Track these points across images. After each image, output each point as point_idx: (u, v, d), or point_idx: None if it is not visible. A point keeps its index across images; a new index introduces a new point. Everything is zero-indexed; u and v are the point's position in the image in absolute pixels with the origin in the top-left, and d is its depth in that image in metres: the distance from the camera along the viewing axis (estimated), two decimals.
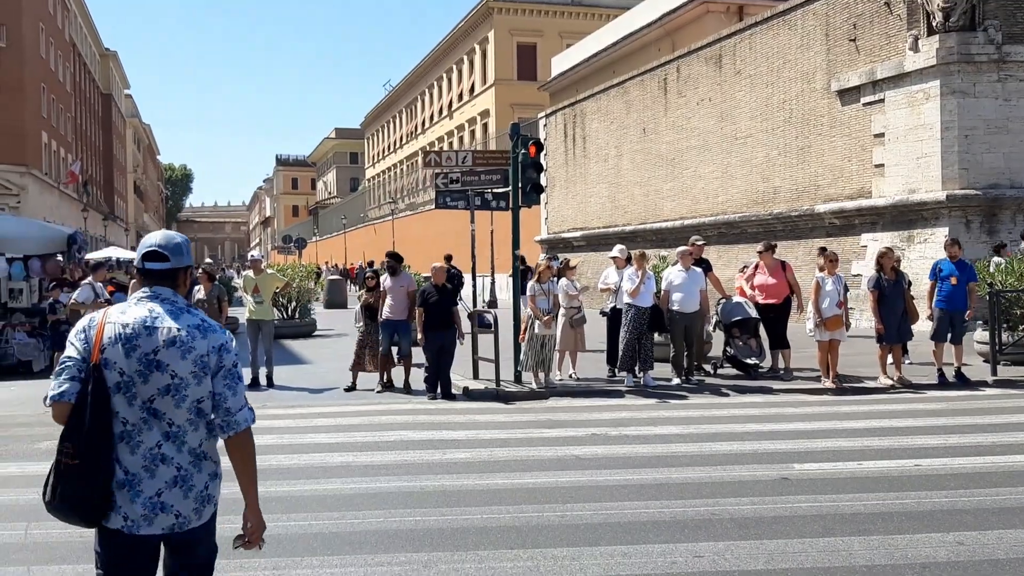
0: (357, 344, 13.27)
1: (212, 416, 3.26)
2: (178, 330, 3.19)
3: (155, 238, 3.40)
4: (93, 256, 31.75)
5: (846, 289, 12.66)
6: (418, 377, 12.87)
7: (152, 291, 3.29)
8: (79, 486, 3.09)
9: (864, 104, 19.78)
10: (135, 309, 3.24)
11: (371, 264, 27.74)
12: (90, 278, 13.30)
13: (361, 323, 13.22)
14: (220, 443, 3.36)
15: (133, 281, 13.24)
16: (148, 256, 3.32)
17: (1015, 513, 6.25)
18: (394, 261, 13.40)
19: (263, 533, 3.53)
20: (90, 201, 59.54)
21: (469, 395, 12.49)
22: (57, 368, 3.20)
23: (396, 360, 13.21)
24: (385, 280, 13.23)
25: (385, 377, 13.08)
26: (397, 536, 5.98)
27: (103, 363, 3.14)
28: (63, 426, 3.12)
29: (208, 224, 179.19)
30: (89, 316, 3.31)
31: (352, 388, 12.99)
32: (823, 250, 12.80)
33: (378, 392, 12.79)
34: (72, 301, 12.89)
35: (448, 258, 24.33)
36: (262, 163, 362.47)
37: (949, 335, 12.57)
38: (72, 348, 3.20)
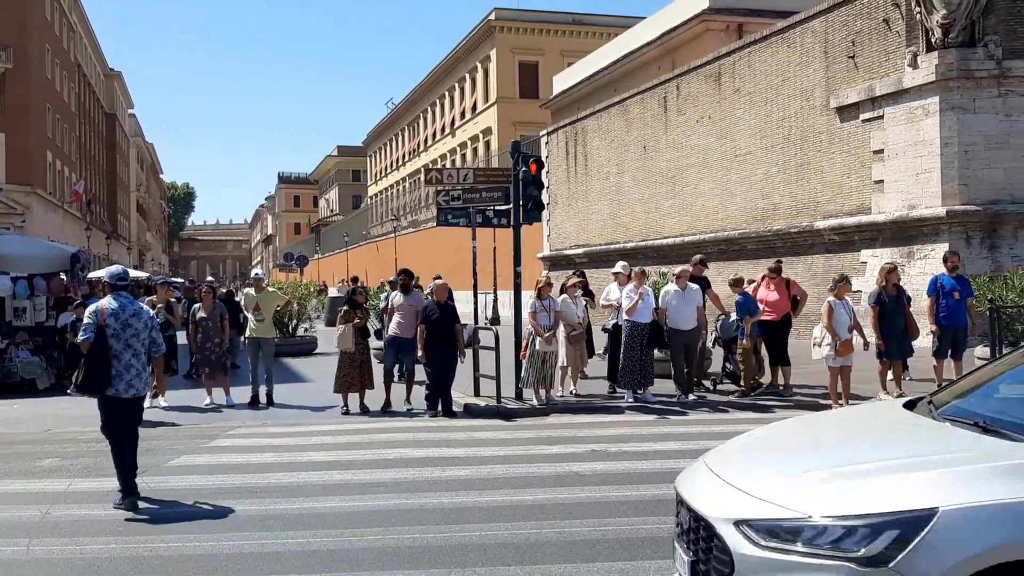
0: (346, 364, 12.69)
1: (152, 347, 7.58)
2: (135, 309, 7.52)
3: (118, 270, 7.78)
4: (97, 274, 31.84)
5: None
6: (419, 395, 12.88)
7: (119, 294, 7.54)
8: (92, 378, 7.26)
9: (863, 120, 19.85)
10: (114, 301, 7.45)
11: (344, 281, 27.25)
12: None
13: (348, 343, 12.64)
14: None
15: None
16: (120, 279, 7.63)
17: None
18: (407, 278, 13.36)
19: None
20: (93, 220, 59.81)
21: (470, 412, 12.49)
22: (82, 326, 7.39)
23: (398, 378, 13.18)
24: (395, 297, 13.22)
25: (389, 396, 12.95)
26: (396, 553, 6.00)
27: (105, 324, 7.31)
28: (86, 352, 7.28)
29: (210, 242, 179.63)
30: (96, 304, 7.53)
31: (347, 411, 12.66)
32: (844, 278, 12.60)
33: (382, 410, 12.73)
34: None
35: (355, 279, 24.25)
36: (264, 181, 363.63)
37: (950, 351, 12.58)
38: (89, 318, 7.36)
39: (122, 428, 7.43)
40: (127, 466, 7.34)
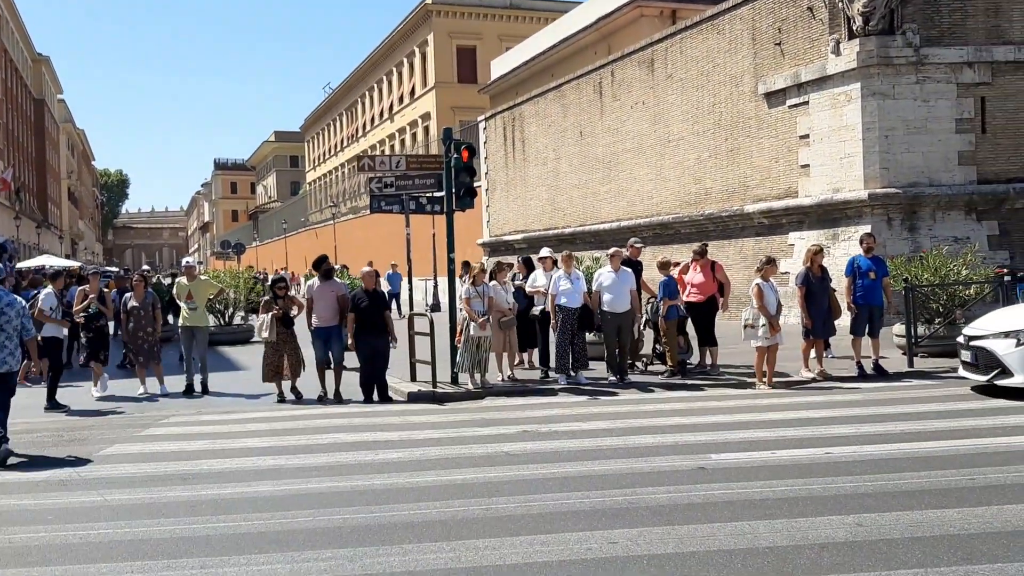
0: (270, 354, 12.61)
1: (23, 332, 9.02)
2: (9, 300, 9.02)
3: None
4: (27, 264, 31.17)
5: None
6: (353, 381, 12.81)
7: None
8: None
9: (790, 106, 20.37)
10: None
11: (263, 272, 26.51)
12: (51, 287, 13.33)
13: (269, 334, 12.50)
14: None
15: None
16: None
17: (914, 496, 6.61)
18: (326, 265, 13.22)
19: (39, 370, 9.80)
20: (23, 208, 58.30)
21: (406, 397, 12.62)
22: None
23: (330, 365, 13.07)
24: (313, 285, 13.01)
25: (324, 385, 12.81)
26: (325, 534, 6.14)
27: None
28: None
29: (145, 230, 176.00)
30: None
31: (282, 399, 12.66)
32: (771, 260, 12.93)
33: (317, 400, 12.61)
34: (38, 311, 12.56)
35: (249, 267, 23.85)
36: (200, 167, 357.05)
37: (867, 329, 13.08)
38: None
39: None
40: None
